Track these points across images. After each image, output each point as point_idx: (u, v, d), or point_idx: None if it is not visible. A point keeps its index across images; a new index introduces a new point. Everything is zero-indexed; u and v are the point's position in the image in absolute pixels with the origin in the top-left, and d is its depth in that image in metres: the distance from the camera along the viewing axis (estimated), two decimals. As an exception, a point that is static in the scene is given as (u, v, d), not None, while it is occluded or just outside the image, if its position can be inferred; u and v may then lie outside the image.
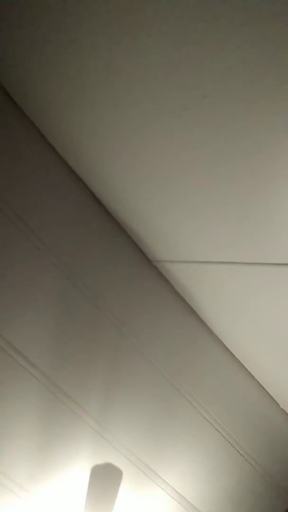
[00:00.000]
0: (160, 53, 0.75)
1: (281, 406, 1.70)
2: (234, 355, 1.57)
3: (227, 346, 1.54)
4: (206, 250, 1.18)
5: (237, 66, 0.69)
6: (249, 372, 1.61)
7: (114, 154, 1.05)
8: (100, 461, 1.22)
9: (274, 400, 1.67)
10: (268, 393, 1.66)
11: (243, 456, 1.60)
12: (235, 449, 1.58)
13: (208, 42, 0.69)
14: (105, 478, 1.21)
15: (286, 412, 1.71)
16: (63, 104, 1.01)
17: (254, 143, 0.81)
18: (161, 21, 0.70)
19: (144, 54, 0.77)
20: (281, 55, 0.65)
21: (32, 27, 0.86)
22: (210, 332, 1.51)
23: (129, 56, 0.78)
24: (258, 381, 1.63)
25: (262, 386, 1.65)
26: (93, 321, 1.22)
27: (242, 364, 1.59)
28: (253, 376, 1.62)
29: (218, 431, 1.52)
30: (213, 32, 0.67)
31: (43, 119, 1.11)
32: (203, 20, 0.65)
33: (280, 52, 0.64)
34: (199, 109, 0.80)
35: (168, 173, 1.01)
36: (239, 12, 0.62)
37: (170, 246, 1.26)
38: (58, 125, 1.09)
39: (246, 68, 0.69)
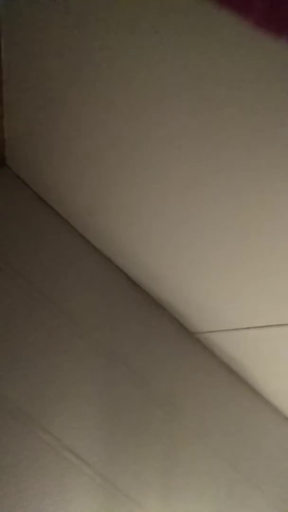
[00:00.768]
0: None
1: None
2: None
3: (282, 411, 1.42)
4: (245, 316, 1.15)
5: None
6: None
7: (144, 234, 1.09)
8: None
9: None
10: None
11: None
12: None
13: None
14: None
15: None
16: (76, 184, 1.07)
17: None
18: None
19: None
20: None
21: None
22: (266, 402, 1.40)
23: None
24: None
25: None
26: (141, 406, 1.17)
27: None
28: None
29: None
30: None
31: (80, 215, 1.17)
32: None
33: None
34: (220, 183, 0.83)
35: (202, 247, 1.02)
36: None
37: (209, 316, 1.23)
38: (87, 217, 1.15)
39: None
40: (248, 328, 1.19)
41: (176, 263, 1.12)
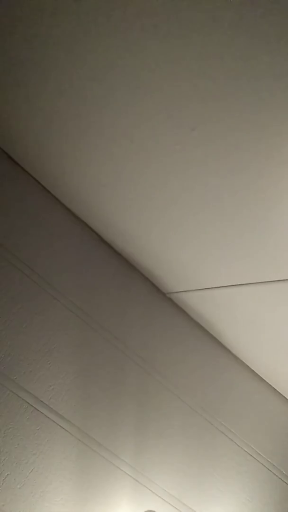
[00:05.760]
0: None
1: None
2: (263, 379, 1.52)
3: (253, 370, 1.50)
4: (217, 276, 1.18)
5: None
6: (284, 397, 1.56)
7: (123, 201, 1.09)
8: (142, 509, 1.16)
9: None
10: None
11: (291, 486, 1.51)
12: (281, 479, 1.50)
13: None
14: (148, 527, 1.15)
15: None
16: (67, 159, 1.05)
17: (259, 169, 0.82)
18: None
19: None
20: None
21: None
22: (234, 357, 1.47)
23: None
24: (292, 403, 1.57)
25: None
26: (115, 362, 1.21)
27: (274, 388, 1.54)
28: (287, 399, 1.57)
29: (260, 463, 1.45)
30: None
31: (48, 175, 1.16)
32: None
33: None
34: (190, 145, 0.83)
35: (176, 209, 1.03)
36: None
37: (181, 277, 1.26)
38: (61, 178, 1.13)
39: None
40: (218, 287, 1.23)
41: (150, 226, 1.13)
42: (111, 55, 0.74)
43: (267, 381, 1.52)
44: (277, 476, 1.48)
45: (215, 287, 1.23)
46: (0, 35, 0.80)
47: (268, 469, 1.47)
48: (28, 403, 1.03)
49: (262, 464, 1.45)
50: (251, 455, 1.43)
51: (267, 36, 0.62)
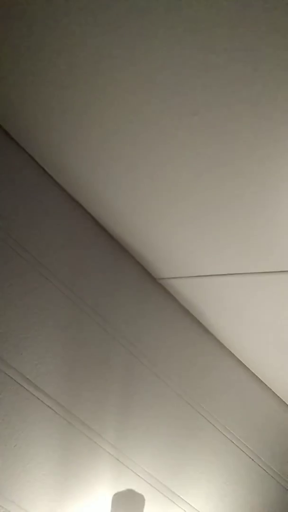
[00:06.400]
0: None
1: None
2: (248, 367, 1.54)
3: (239, 358, 1.52)
4: (208, 264, 1.19)
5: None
6: (265, 384, 1.59)
7: (115, 180, 1.08)
8: (121, 487, 1.19)
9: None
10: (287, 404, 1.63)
11: (268, 473, 1.55)
12: (259, 466, 1.54)
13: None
14: (127, 505, 1.18)
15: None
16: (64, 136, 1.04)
17: (253, 155, 0.82)
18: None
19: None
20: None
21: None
22: (221, 345, 1.49)
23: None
24: (275, 393, 1.60)
25: (281, 399, 1.62)
26: (103, 344, 1.22)
27: (257, 376, 1.57)
28: (269, 388, 1.60)
29: (240, 449, 1.48)
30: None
31: (41, 151, 1.14)
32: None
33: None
34: (189, 130, 0.83)
35: (170, 194, 1.03)
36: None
37: (173, 263, 1.27)
38: (55, 155, 1.12)
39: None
40: (209, 275, 1.24)
41: (144, 210, 1.13)
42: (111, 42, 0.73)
43: (252, 370, 1.54)
44: (256, 463, 1.52)
45: (206, 275, 1.23)
46: None
47: (248, 455, 1.50)
48: (14, 380, 1.04)
49: (242, 451, 1.49)
50: (231, 441, 1.46)
51: (271, 26, 0.61)
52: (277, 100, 0.71)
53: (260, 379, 1.56)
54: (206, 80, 0.72)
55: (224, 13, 0.61)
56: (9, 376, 1.03)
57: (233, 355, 1.51)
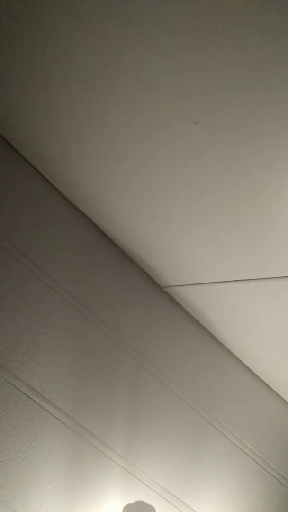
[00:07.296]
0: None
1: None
2: (256, 374, 1.53)
3: (248, 366, 1.51)
4: (214, 271, 1.18)
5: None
6: (275, 392, 1.57)
7: (119, 190, 1.08)
8: (131, 499, 1.18)
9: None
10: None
11: (279, 480, 1.53)
12: (270, 473, 1.52)
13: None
14: (138, 517, 1.17)
15: None
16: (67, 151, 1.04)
17: (255, 164, 0.82)
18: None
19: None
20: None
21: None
22: (229, 352, 1.48)
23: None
24: (286, 401, 1.59)
25: (289, 404, 1.60)
26: (110, 354, 1.21)
27: (266, 384, 1.55)
28: (280, 396, 1.58)
29: (250, 456, 1.47)
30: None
31: (45, 162, 1.15)
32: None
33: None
34: (192, 138, 0.83)
35: (174, 202, 1.02)
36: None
37: (178, 271, 1.26)
38: (59, 167, 1.12)
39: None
40: (215, 282, 1.23)
41: (148, 218, 1.13)
42: (115, 45, 0.73)
43: (260, 377, 1.53)
44: (265, 470, 1.50)
45: (212, 282, 1.23)
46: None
47: (257, 462, 1.48)
48: (22, 391, 1.03)
49: (251, 458, 1.47)
50: (241, 449, 1.44)
51: (270, 27, 0.61)
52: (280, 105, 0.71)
53: (269, 386, 1.55)
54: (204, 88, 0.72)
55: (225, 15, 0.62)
56: (16, 387, 1.03)
57: (242, 362, 1.50)
